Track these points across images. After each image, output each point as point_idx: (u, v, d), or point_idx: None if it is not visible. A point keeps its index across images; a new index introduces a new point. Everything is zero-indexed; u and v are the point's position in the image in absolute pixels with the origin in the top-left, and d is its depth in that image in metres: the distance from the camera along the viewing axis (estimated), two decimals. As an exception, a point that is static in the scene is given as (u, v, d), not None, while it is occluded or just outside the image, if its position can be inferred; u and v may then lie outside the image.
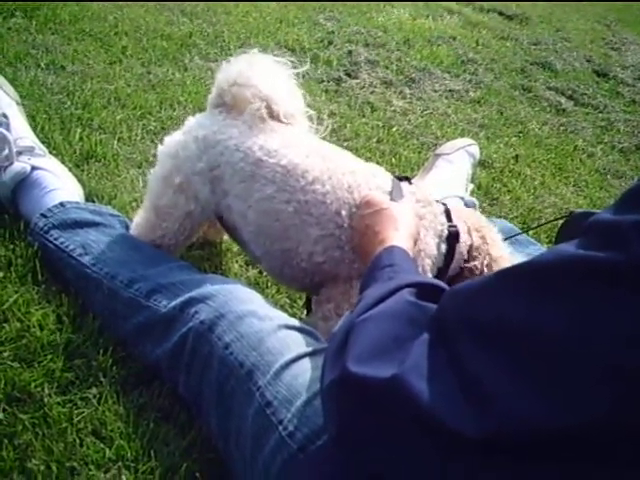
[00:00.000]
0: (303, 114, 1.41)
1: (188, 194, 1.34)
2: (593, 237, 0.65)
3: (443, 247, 1.31)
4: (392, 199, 1.25)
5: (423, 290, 0.86)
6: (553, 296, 0.64)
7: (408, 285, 0.86)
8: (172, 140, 1.38)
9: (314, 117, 1.44)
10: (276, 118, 1.34)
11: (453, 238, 1.32)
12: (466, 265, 1.34)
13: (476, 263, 1.33)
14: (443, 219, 1.32)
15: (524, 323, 0.65)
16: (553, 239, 2.00)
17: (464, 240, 1.33)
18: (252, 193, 1.29)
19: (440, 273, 1.32)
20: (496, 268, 1.32)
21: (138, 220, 1.42)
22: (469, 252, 1.34)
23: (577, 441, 0.62)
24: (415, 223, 1.23)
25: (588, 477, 0.64)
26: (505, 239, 1.53)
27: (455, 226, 1.32)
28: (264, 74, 1.33)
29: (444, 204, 1.36)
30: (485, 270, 1.33)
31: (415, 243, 1.22)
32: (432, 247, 1.28)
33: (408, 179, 1.36)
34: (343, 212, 1.26)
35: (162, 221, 1.37)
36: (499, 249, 1.35)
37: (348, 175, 1.28)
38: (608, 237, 0.62)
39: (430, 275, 1.30)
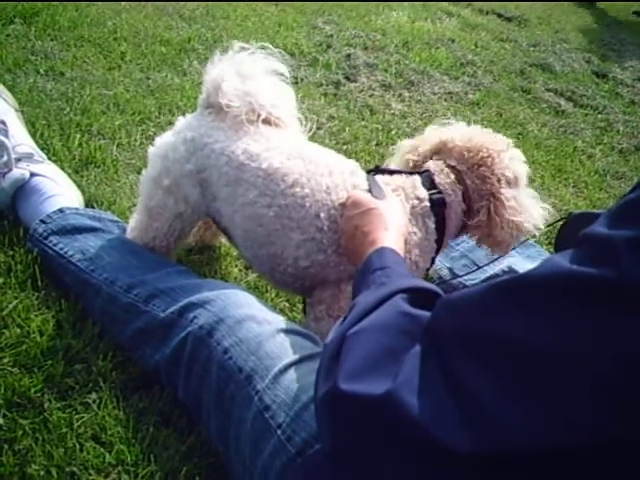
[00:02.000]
0: (292, 115, 1.41)
1: (177, 196, 1.35)
2: (587, 250, 0.65)
3: (430, 222, 1.29)
4: (375, 197, 1.24)
5: (416, 295, 0.86)
6: (546, 312, 0.64)
7: (400, 291, 0.86)
8: (162, 141, 1.39)
9: (303, 119, 1.44)
10: (261, 121, 1.34)
11: (438, 206, 1.30)
12: (469, 223, 1.33)
13: (478, 219, 1.31)
14: (421, 192, 1.30)
15: (517, 338, 0.65)
16: (553, 240, 2.01)
17: (453, 199, 1.31)
18: (237, 198, 1.29)
19: (438, 244, 1.32)
20: (503, 211, 1.30)
21: (132, 223, 1.43)
22: (467, 203, 1.32)
23: (572, 456, 0.62)
24: (405, 222, 1.23)
25: None
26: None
27: (439, 192, 1.30)
28: (249, 77, 1.33)
29: (424, 171, 1.34)
30: (492, 218, 1.31)
31: (406, 243, 1.21)
32: (417, 234, 1.27)
33: (378, 168, 1.35)
34: (322, 214, 1.25)
35: (153, 221, 1.38)
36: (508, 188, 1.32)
37: (326, 176, 1.28)
38: (601, 252, 0.62)
39: (423, 260, 1.30)
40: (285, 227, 1.27)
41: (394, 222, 1.18)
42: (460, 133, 1.37)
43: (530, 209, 1.36)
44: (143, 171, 1.76)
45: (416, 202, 1.28)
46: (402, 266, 1.05)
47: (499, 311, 0.68)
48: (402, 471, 0.70)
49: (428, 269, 1.36)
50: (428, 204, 1.29)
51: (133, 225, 1.42)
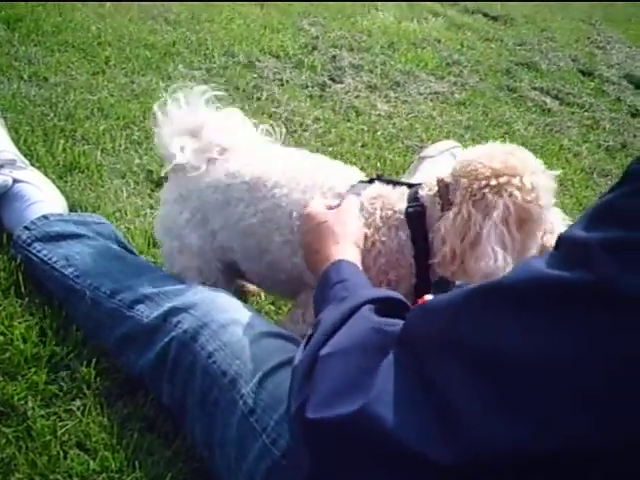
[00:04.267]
0: (253, 135, 1.41)
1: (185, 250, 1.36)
2: (564, 254, 0.65)
3: (403, 235, 1.20)
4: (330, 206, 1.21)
5: (381, 305, 0.85)
6: (522, 316, 0.64)
7: (366, 302, 0.85)
8: (159, 218, 1.44)
9: (272, 130, 1.43)
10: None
11: (413, 219, 1.20)
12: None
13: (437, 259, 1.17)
14: (400, 204, 1.21)
15: (493, 343, 0.64)
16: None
17: (431, 213, 1.19)
18: (229, 218, 1.31)
19: (419, 264, 1.21)
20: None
21: None
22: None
23: (553, 465, 0.62)
24: (358, 227, 1.18)
25: None
26: None
27: (419, 205, 1.20)
28: (197, 130, 1.34)
29: (414, 184, 1.26)
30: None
31: (369, 250, 1.18)
32: (385, 243, 1.21)
33: (379, 177, 1.29)
34: (294, 214, 1.24)
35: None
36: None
37: (306, 175, 1.27)
38: (577, 255, 0.62)
39: (396, 273, 1.21)
40: (268, 231, 1.27)
41: (345, 233, 1.14)
42: (481, 151, 1.24)
43: (497, 254, 1.11)
44: (128, 176, 1.77)
45: (390, 212, 1.22)
46: (360, 277, 1.03)
47: (475, 317, 0.67)
48: None
49: (421, 287, 1.22)
50: (402, 216, 1.21)
51: None
